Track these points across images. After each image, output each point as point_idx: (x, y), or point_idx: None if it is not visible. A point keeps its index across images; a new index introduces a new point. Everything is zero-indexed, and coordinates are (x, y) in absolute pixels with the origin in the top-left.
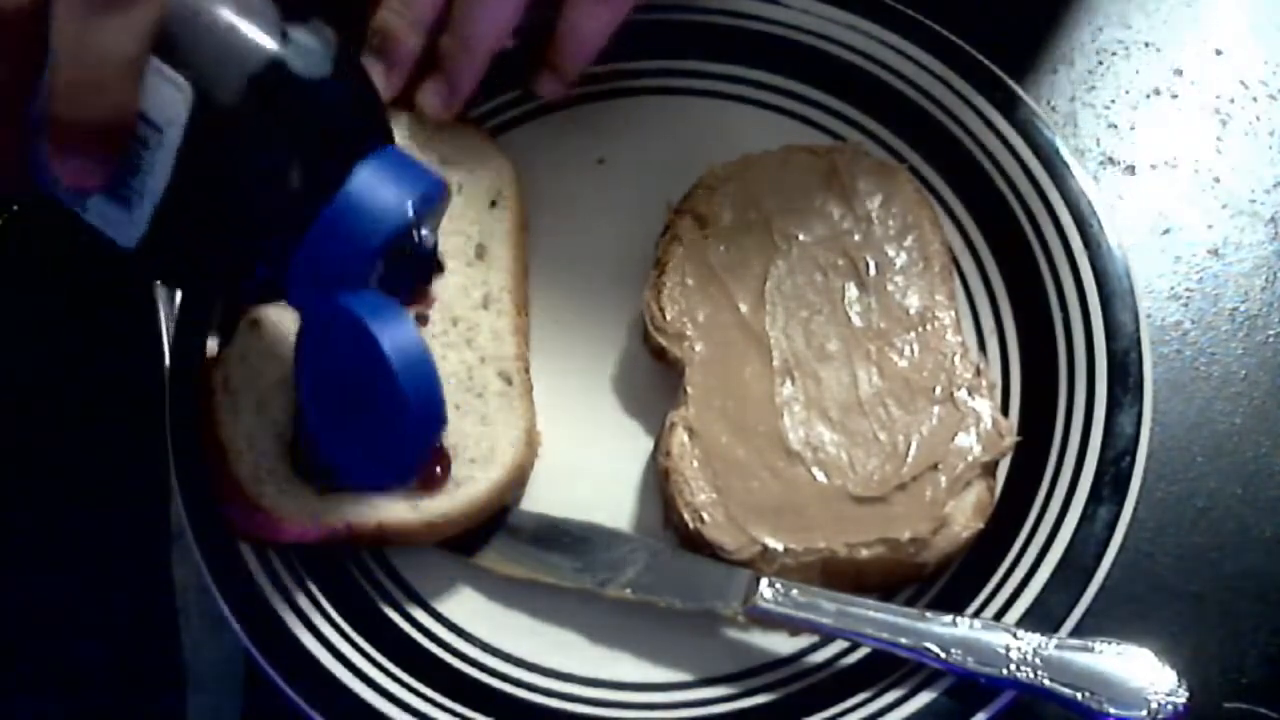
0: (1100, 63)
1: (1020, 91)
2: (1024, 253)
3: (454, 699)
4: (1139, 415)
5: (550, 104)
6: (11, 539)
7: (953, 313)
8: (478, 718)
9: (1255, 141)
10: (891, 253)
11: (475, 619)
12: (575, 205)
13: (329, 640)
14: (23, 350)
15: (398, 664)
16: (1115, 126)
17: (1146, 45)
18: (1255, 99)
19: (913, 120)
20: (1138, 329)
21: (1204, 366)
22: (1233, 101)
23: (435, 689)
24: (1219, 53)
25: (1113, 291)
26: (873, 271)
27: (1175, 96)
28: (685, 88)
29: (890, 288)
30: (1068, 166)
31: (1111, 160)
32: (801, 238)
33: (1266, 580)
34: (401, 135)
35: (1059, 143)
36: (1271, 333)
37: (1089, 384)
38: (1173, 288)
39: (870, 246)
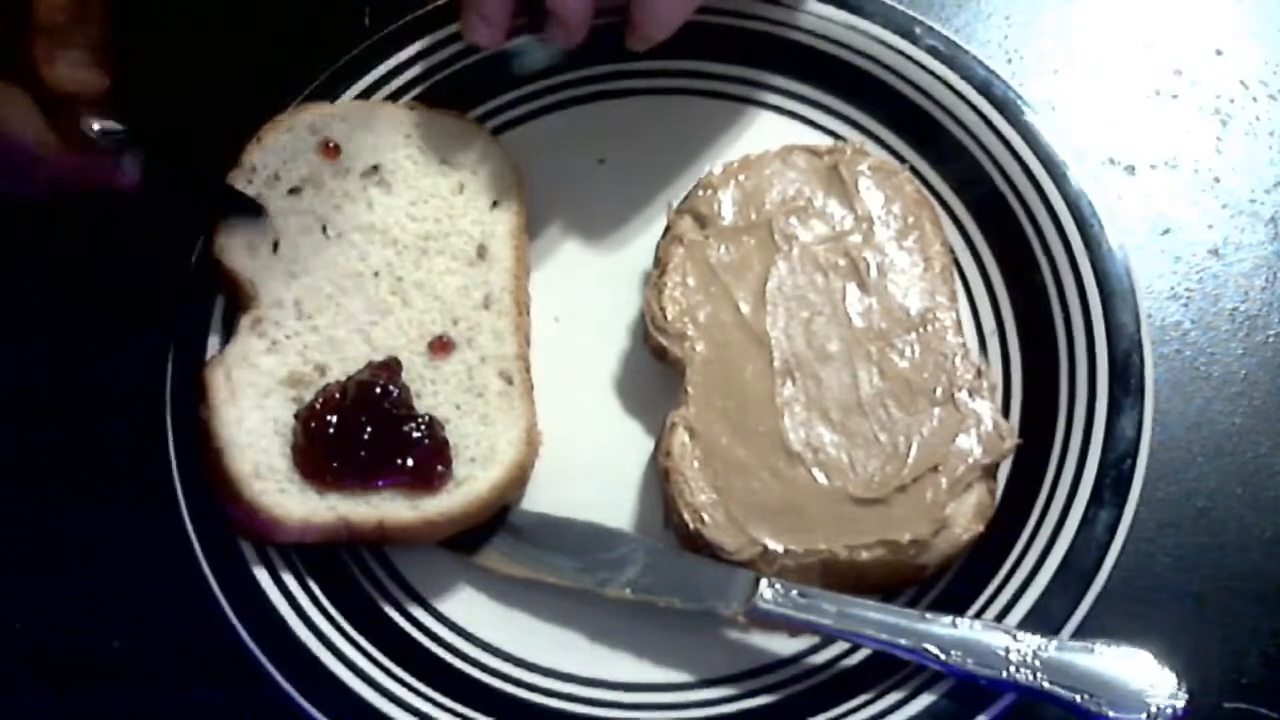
0: (1100, 63)
1: (1020, 93)
2: (1025, 253)
3: (453, 698)
4: (1140, 418)
5: (553, 103)
6: (15, 538)
7: (954, 314)
8: (477, 717)
9: (1255, 141)
10: (892, 253)
11: (475, 618)
12: (577, 205)
13: (328, 637)
14: (28, 350)
15: (397, 662)
16: (1115, 126)
17: (1146, 45)
18: (1255, 99)
19: (914, 121)
20: (1139, 330)
21: (1204, 366)
22: (1233, 101)
23: (434, 688)
24: (1219, 53)
25: (1113, 292)
26: (874, 272)
27: (1175, 96)
28: (686, 88)
29: (891, 288)
30: (1068, 167)
31: (1111, 160)
32: (802, 238)
33: (1266, 580)
34: (403, 135)
35: (1059, 143)
36: (1271, 333)
37: (1090, 386)
38: (1173, 288)
39: (871, 247)
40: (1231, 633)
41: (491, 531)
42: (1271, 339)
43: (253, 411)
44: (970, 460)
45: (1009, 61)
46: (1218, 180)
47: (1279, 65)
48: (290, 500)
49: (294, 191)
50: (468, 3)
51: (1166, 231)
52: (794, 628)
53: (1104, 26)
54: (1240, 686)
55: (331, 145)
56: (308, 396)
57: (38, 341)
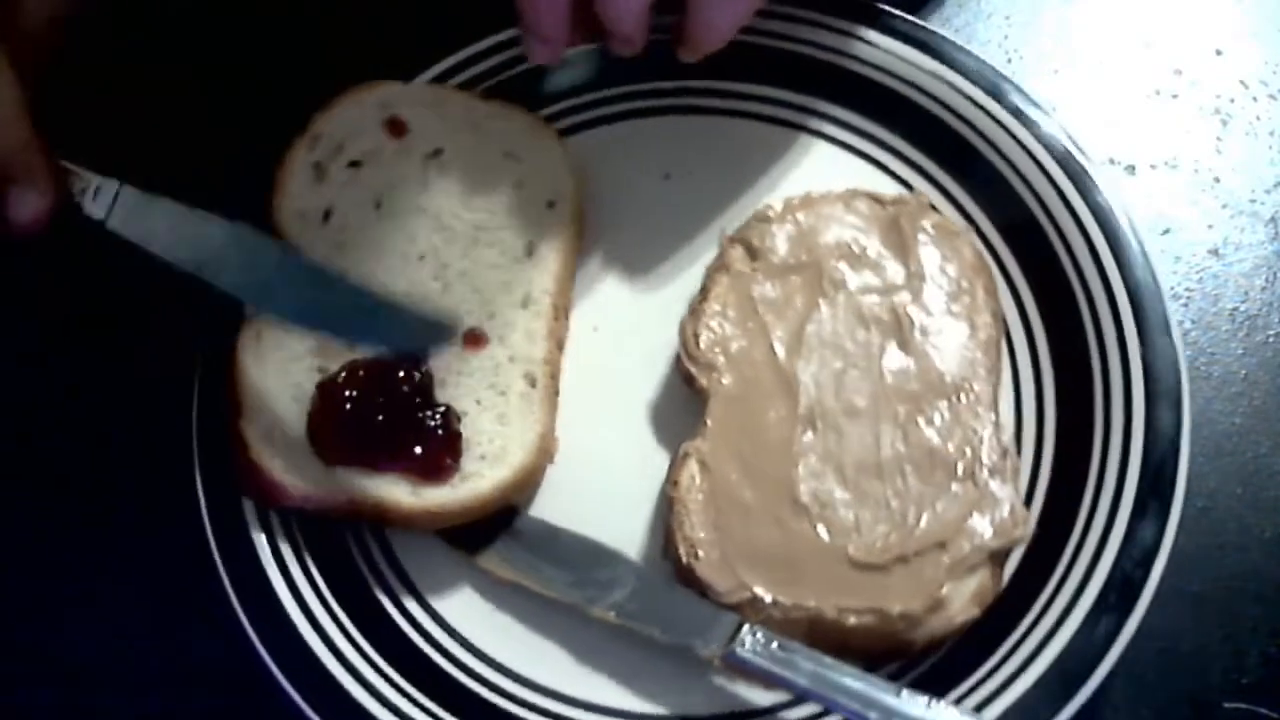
0: (1100, 63)
1: (1100, 178)
2: (1077, 336)
3: (424, 691)
4: (1162, 526)
5: (626, 111)
6: (15, 537)
7: (991, 387)
8: (442, 714)
9: (1255, 141)
10: (939, 316)
11: (467, 618)
12: (635, 217)
13: (314, 614)
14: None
15: (379, 650)
16: (1115, 126)
17: (1146, 45)
18: (1255, 99)
19: (988, 183)
20: (1178, 437)
21: (1204, 366)
22: (1233, 101)
23: (411, 681)
24: (1219, 53)
25: (1160, 392)
26: (916, 333)
27: (1175, 96)
28: (763, 114)
29: (931, 352)
30: (1137, 254)
31: (1111, 160)
32: (850, 286)
33: (1266, 580)
34: (471, 123)
35: (1132, 229)
36: (1271, 333)
37: (1117, 485)
38: (1173, 288)
39: (919, 306)
40: (1231, 633)
41: (496, 533)
42: (1271, 339)
43: (276, 375)
44: (978, 542)
45: (1009, 61)
46: (1218, 180)
47: (1279, 65)
48: (295, 467)
49: (354, 164)
50: (526, 26)
51: (1166, 231)
52: (768, 680)
53: (1104, 26)
54: (1240, 686)
55: (399, 123)
56: (333, 368)
57: (39, 343)
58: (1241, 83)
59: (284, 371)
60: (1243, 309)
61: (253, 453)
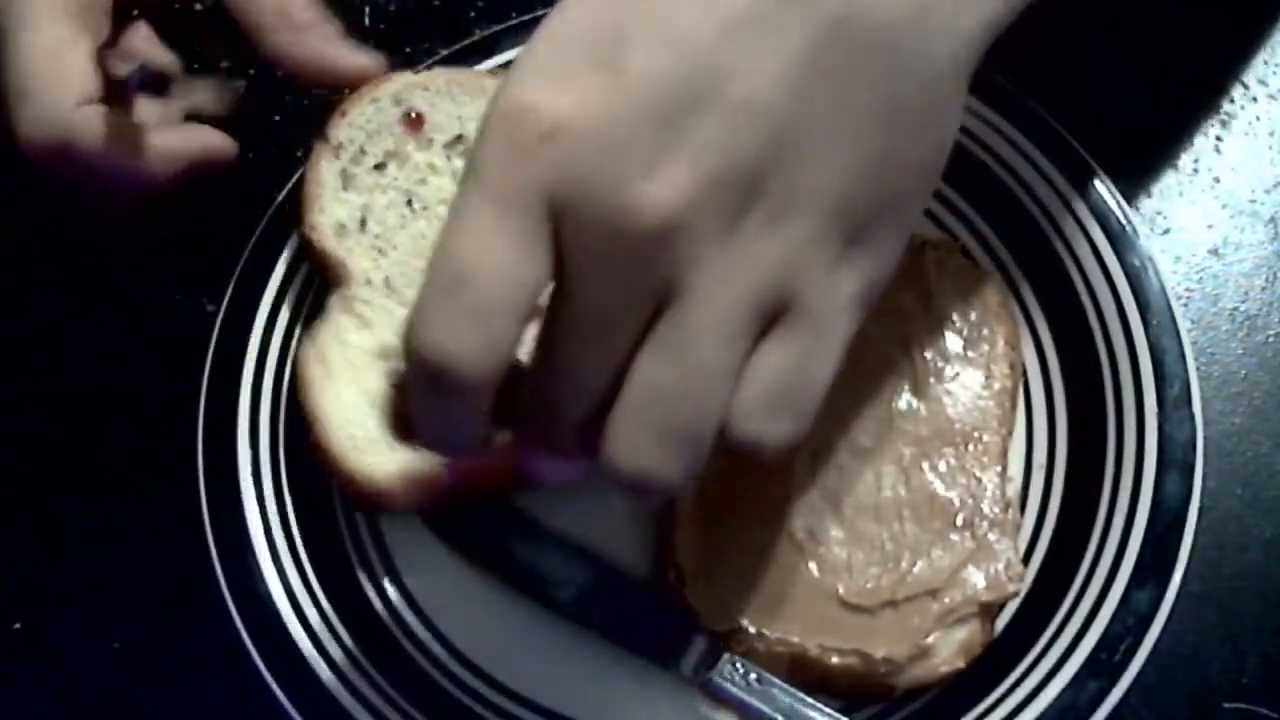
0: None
1: (1146, 243)
2: (1095, 396)
3: (393, 682)
4: (1159, 598)
5: None
6: (15, 537)
7: (1000, 439)
8: (389, 690)
9: (1255, 141)
10: (955, 361)
11: (442, 609)
12: None
13: (292, 587)
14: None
15: (347, 626)
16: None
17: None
18: (1255, 99)
19: (1024, 233)
20: (1185, 507)
21: (1204, 366)
22: (1233, 101)
23: (377, 665)
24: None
25: (1171, 461)
26: (930, 376)
27: (1176, 97)
28: None
29: (944, 397)
30: (1169, 320)
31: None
32: (866, 324)
33: (1266, 580)
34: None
35: (1163, 292)
36: (1271, 333)
37: (1118, 553)
38: (1173, 288)
39: (935, 349)
40: (1231, 633)
41: (494, 530)
42: (1271, 339)
43: (347, 386)
44: (970, 593)
45: (1008, 64)
46: (1218, 180)
47: (1279, 65)
48: (387, 463)
49: (379, 167)
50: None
51: (1166, 232)
52: (743, 712)
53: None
54: (1240, 686)
55: (415, 116)
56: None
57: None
58: (1241, 83)
59: (354, 381)
60: (1243, 309)
61: (343, 464)
